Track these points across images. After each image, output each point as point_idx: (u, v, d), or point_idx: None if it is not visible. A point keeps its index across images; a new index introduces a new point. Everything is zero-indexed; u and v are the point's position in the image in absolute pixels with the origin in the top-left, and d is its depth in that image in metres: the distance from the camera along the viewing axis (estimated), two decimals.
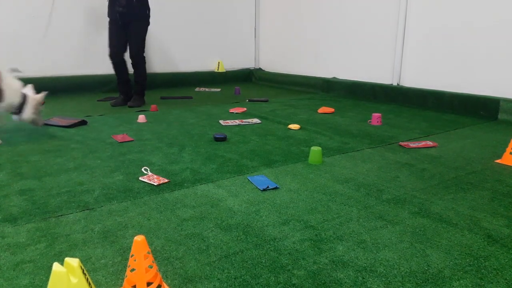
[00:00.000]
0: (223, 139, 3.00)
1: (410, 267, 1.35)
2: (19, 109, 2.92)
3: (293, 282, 1.27)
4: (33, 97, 2.99)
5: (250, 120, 3.77)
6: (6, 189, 2.03)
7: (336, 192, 2.02)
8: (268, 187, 2.05)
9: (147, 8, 4.43)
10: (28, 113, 2.96)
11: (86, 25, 5.47)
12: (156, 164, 2.45)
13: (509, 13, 3.81)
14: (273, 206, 1.84)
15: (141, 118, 3.69)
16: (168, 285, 1.25)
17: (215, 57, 6.87)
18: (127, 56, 4.46)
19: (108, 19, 4.39)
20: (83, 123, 3.56)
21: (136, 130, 3.35)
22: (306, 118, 3.87)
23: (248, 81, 7.18)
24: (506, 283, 1.27)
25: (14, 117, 3.01)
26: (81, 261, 1.37)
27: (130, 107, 4.42)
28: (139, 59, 4.44)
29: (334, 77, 5.70)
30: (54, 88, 5.20)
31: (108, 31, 4.38)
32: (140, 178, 2.19)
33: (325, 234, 1.58)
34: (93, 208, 1.81)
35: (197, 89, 6.13)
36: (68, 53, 5.37)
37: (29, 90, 3.02)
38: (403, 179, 2.21)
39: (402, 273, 1.32)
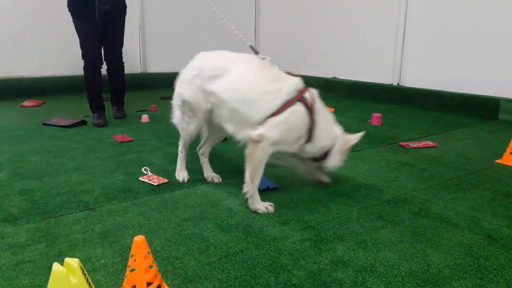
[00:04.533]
0: (223, 140, 2.98)
1: (410, 267, 1.35)
2: (325, 154, 2.02)
3: (293, 282, 1.27)
4: (346, 138, 2.07)
5: None
6: (6, 189, 2.03)
7: (336, 192, 2.02)
8: (268, 187, 2.04)
9: (125, 6, 3.81)
10: (336, 160, 2.03)
11: None
12: (156, 164, 2.45)
13: (509, 13, 3.80)
14: (273, 206, 1.83)
15: (144, 117, 3.71)
16: (168, 285, 1.25)
17: None
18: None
19: (70, 13, 3.51)
20: (83, 123, 3.56)
21: (136, 130, 3.35)
22: None
23: None
24: (506, 283, 1.27)
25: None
26: (81, 261, 1.36)
27: (118, 118, 3.90)
28: (122, 65, 3.90)
29: (334, 77, 5.70)
30: (54, 88, 5.21)
31: (83, 31, 3.49)
32: (140, 178, 2.18)
33: (325, 234, 1.58)
34: (93, 208, 1.81)
35: None
36: (67, 52, 5.37)
37: (338, 127, 2.11)
38: (403, 179, 2.21)
39: (402, 273, 1.32)
